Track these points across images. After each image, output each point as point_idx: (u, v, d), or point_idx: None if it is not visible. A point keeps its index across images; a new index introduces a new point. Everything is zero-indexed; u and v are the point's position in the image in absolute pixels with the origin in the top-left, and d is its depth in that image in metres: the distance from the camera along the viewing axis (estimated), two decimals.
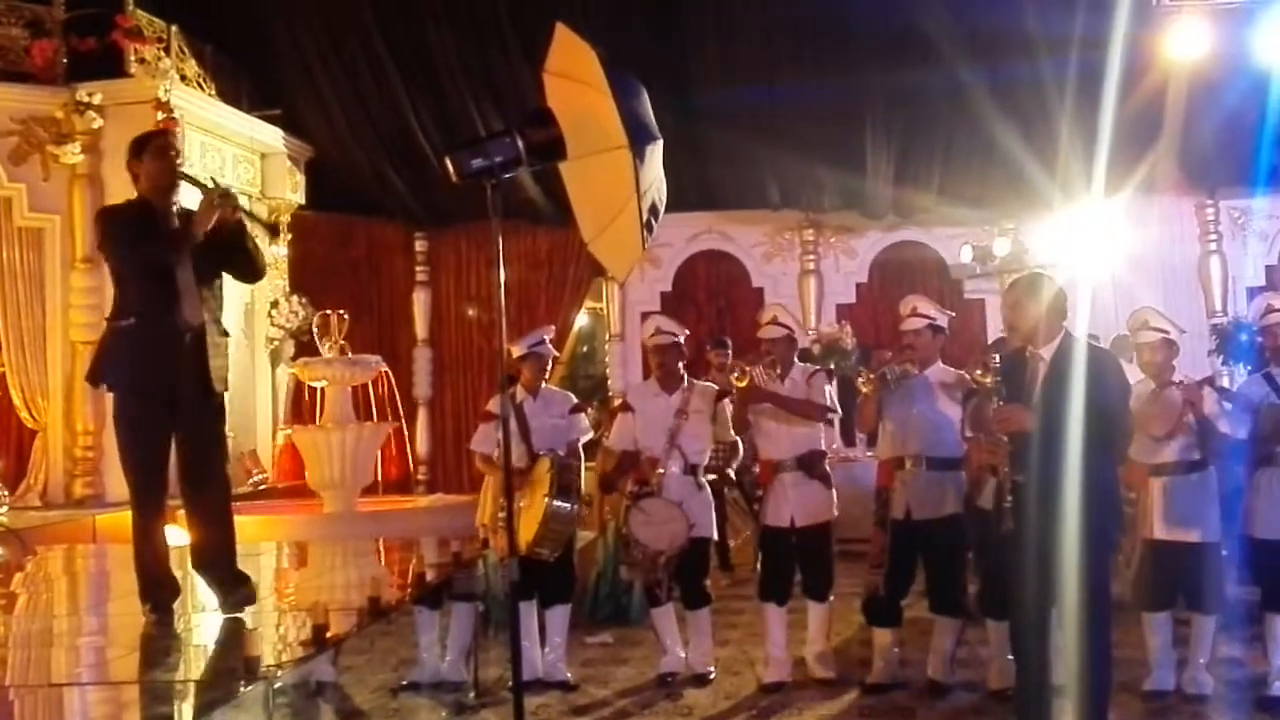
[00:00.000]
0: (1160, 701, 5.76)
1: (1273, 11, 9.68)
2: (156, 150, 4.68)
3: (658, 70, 9.76)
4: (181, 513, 4.87)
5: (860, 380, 6.18)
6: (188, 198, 4.70)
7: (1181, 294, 11.94)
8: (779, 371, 6.41)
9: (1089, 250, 11.14)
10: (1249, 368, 8.08)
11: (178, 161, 4.75)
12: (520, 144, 4.92)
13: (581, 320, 13.95)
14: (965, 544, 6.11)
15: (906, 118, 11.20)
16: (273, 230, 4.77)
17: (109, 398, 4.82)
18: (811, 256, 13.07)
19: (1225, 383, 9.69)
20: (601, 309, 13.75)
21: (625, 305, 13.23)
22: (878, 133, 11.33)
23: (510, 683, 5.05)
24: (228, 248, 4.67)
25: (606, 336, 13.53)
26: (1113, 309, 9.31)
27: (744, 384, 6.32)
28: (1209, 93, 10.13)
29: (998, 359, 5.11)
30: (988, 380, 5.07)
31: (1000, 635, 5.84)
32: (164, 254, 4.53)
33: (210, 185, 4.69)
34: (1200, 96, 10.18)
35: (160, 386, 4.55)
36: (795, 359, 6.51)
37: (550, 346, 6.74)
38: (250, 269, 4.85)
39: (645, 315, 11.87)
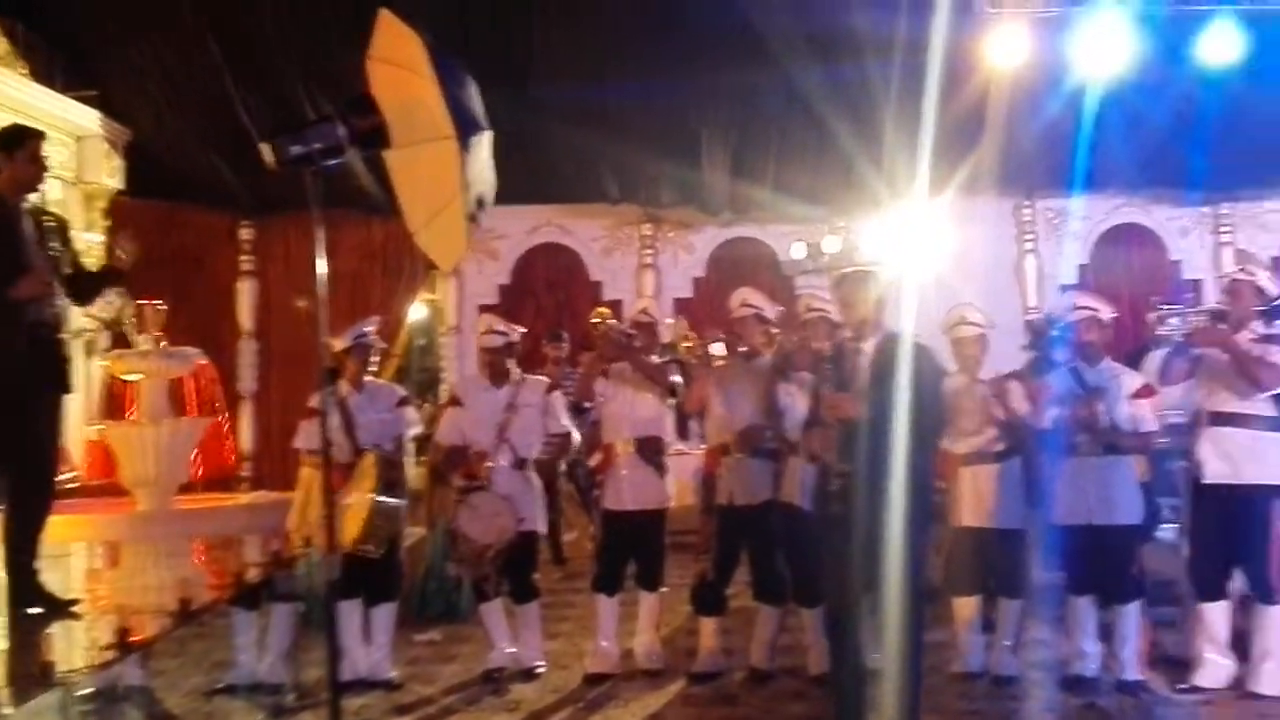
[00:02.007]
0: (970, 683, 6.00)
1: (1088, 21, 10.15)
2: (32, 155, 4.83)
3: (496, 62, 9.67)
4: None
5: (684, 345, 6.36)
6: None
7: (1000, 292, 12.40)
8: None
9: (915, 248, 11.48)
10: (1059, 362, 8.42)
11: (46, 169, 4.93)
12: (342, 131, 4.80)
13: (419, 313, 13.70)
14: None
15: (742, 114, 11.35)
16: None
17: None
18: (650, 251, 13.16)
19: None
20: (438, 301, 13.55)
21: (463, 298, 13.07)
22: (714, 129, 11.45)
23: None
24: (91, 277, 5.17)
25: (442, 330, 13.35)
26: (935, 306, 9.60)
27: (601, 331, 6.34)
28: (1029, 97, 10.56)
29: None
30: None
31: (817, 622, 5.99)
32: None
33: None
34: (1020, 101, 10.60)
35: (10, 385, 4.64)
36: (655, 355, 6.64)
37: (374, 338, 6.61)
38: (92, 298, 5.42)
39: (483, 308, 11.77)
